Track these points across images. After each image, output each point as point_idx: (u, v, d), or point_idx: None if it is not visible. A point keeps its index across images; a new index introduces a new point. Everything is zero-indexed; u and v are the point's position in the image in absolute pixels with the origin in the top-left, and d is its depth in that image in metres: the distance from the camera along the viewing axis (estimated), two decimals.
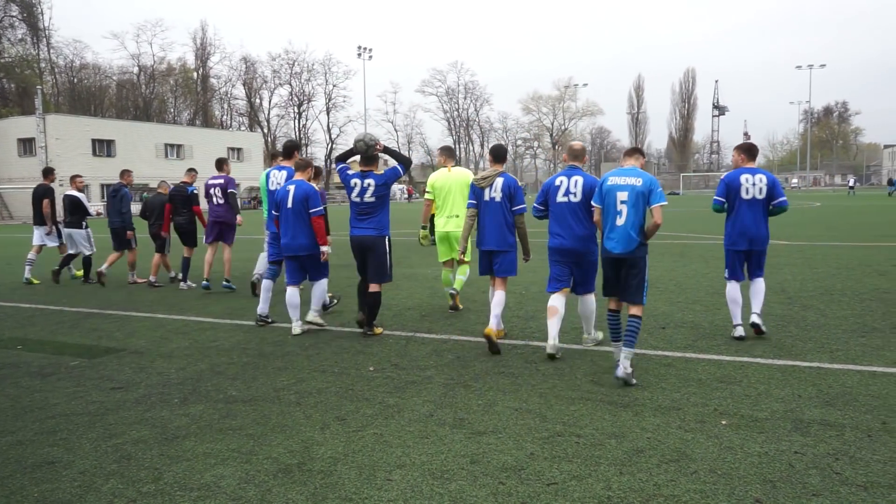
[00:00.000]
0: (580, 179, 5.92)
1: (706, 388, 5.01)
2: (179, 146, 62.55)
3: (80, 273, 12.10)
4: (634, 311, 5.42)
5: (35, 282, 11.85)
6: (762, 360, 5.71)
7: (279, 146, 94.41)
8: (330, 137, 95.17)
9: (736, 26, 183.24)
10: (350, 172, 7.10)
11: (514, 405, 4.72)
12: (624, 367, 5.13)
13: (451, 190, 8.06)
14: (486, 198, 6.58)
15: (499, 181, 6.57)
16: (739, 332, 6.47)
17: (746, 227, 6.48)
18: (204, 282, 10.57)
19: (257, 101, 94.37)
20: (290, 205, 7.24)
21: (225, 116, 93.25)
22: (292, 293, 7.36)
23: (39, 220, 12.02)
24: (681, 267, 11.77)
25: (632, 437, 4.09)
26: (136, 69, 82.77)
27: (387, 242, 7.00)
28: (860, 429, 4.13)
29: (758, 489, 3.37)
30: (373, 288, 6.99)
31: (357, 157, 7.17)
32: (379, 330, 7.17)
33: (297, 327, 7.20)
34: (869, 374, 5.25)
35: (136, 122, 64.50)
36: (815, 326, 6.90)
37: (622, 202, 5.35)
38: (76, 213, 11.66)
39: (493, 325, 6.26)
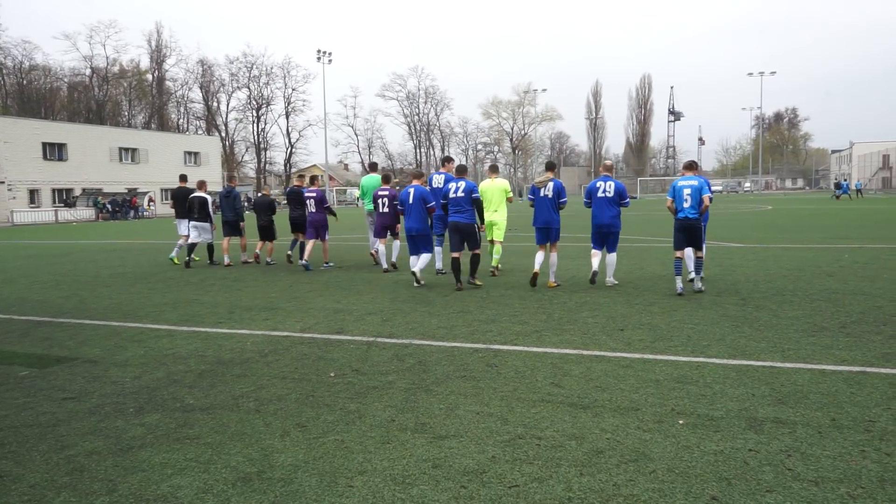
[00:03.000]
0: (612, 183, 10.11)
1: (664, 388, 5.09)
2: (134, 150, 61.25)
3: (198, 258, 15.17)
4: (700, 254, 9.34)
5: (176, 262, 15.05)
6: (717, 360, 5.84)
7: (237, 150, 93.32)
8: (289, 141, 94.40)
9: (691, 34, 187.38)
10: (451, 184, 10.42)
11: (475, 409, 4.74)
12: (698, 286, 9.24)
13: (493, 193, 11.22)
14: (542, 194, 10.33)
15: (550, 184, 10.31)
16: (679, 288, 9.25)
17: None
18: (303, 261, 13.19)
19: (215, 104, 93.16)
20: (411, 200, 10.67)
21: (181, 120, 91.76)
22: (413, 260, 10.71)
23: (183, 215, 15.15)
24: (638, 270, 11.96)
25: (592, 438, 4.14)
26: (88, 71, 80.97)
27: (476, 223, 10.43)
28: (811, 426, 4.25)
29: (714, 487, 3.44)
30: (475, 251, 10.38)
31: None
32: (480, 282, 10.47)
33: (419, 268, 10.40)
34: (819, 372, 5.41)
35: (88, 126, 63.00)
36: (768, 326, 7.08)
37: (688, 194, 9.26)
38: (203, 210, 14.58)
39: (552, 276, 10.39)
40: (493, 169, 11.82)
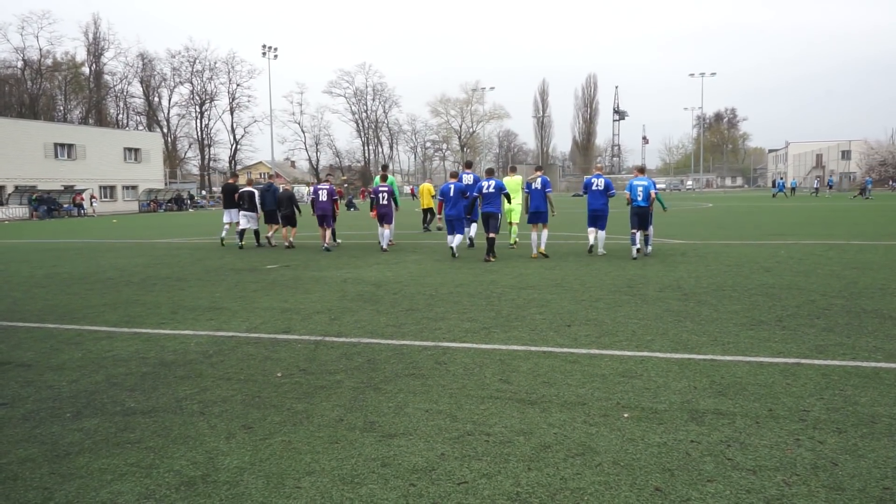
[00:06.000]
0: (602, 179, 14.03)
1: (609, 382, 5.19)
2: (71, 146, 59.11)
3: (242, 243, 17.91)
4: (647, 232, 13.53)
5: (224, 244, 18.28)
6: (661, 354, 5.98)
7: (179, 147, 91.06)
8: (234, 138, 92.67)
9: (635, 35, 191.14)
10: (483, 182, 13.81)
11: (424, 406, 4.74)
12: (644, 251, 13.33)
13: (512, 187, 15.01)
14: (533, 187, 13.82)
15: (539, 179, 13.81)
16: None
17: (637, 204, 13.40)
18: (325, 245, 16.33)
19: (156, 99, 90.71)
20: (451, 194, 14.28)
21: (121, 115, 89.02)
22: (451, 238, 14.21)
23: (230, 205, 18.35)
24: (584, 266, 12.15)
25: (539, 433, 4.19)
26: (20, 63, 77.70)
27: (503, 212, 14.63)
28: (749, 416, 4.39)
29: (657, 478, 3.52)
30: (492, 235, 13.43)
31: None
32: (494, 258, 13.35)
33: (456, 244, 13.98)
34: (757, 364, 5.59)
35: (20, 120, 60.58)
36: (709, 321, 7.28)
37: (640, 190, 13.37)
38: (252, 201, 17.82)
39: (543, 248, 13.63)
40: (513, 169, 16.43)
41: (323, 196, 16.43)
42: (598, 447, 3.94)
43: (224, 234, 18.54)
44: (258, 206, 17.90)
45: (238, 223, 18.13)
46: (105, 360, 6.28)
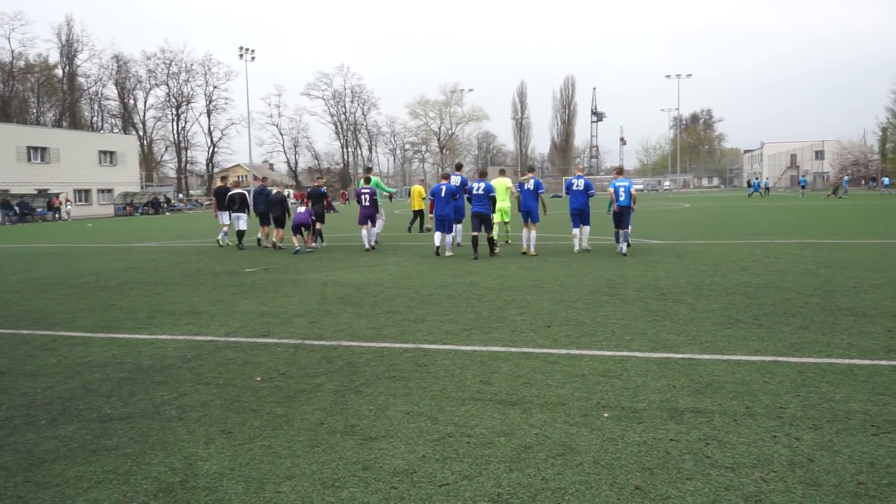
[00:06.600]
0: (583, 180, 15.00)
1: (589, 382, 5.21)
2: (44, 149, 58.24)
3: (233, 242, 18.79)
4: (627, 230, 14.06)
5: (221, 245, 18.76)
6: (640, 353, 6.02)
7: (155, 149, 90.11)
8: (211, 140, 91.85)
9: (613, 37, 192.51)
10: (473, 184, 14.60)
11: (405, 409, 4.73)
12: (623, 249, 13.81)
13: (500, 188, 15.43)
14: (525, 188, 14.67)
15: (532, 181, 14.71)
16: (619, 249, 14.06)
17: (620, 203, 14.22)
18: (368, 246, 16.58)
19: (131, 102, 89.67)
20: (443, 194, 14.62)
21: (95, 118, 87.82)
22: (438, 237, 14.63)
23: (223, 207, 18.90)
24: (564, 267, 12.21)
25: (520, 433, 4.20)
26: None
27: (491, 214, 14.67)
28: (727, 414, 4.43)
29: (637, 477, 3.55)
30: (490, 235, 14.42)
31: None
32: (498, 250, 14.67)
33: (441, 242, 14.63)
34: (734, 362, 5.65)
35: None
36: (687, 320, 7.35)
37: (622, 191, 14.20)
38: (243, 202, 18.71)
39: (532, 248, 14.32)
40: (502, 172, 17.22)
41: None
42: (578, 447, 3.96)
43: (220, 235, 19.04)
44: (249, 207, 18.71)
45: (233, 224, 18.88)
46: (81, 365, 6.20)
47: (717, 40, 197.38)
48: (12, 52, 77.16)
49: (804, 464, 3.64)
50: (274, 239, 18.06)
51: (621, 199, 14.11)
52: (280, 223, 18.02)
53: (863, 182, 76.31)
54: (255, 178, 20.97)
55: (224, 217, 19.22)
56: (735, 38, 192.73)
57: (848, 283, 9.40)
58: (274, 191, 18.66)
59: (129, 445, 4.19)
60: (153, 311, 8.94)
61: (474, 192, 14.34)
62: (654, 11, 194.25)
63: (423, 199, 21.59)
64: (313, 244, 17.29)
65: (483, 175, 15.06)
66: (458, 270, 12.14)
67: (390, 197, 20.48)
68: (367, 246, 16.44)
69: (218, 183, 21.26)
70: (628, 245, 13.95)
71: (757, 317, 7.40)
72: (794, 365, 5.53)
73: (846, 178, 57.37)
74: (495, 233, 15.41)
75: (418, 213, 22.37)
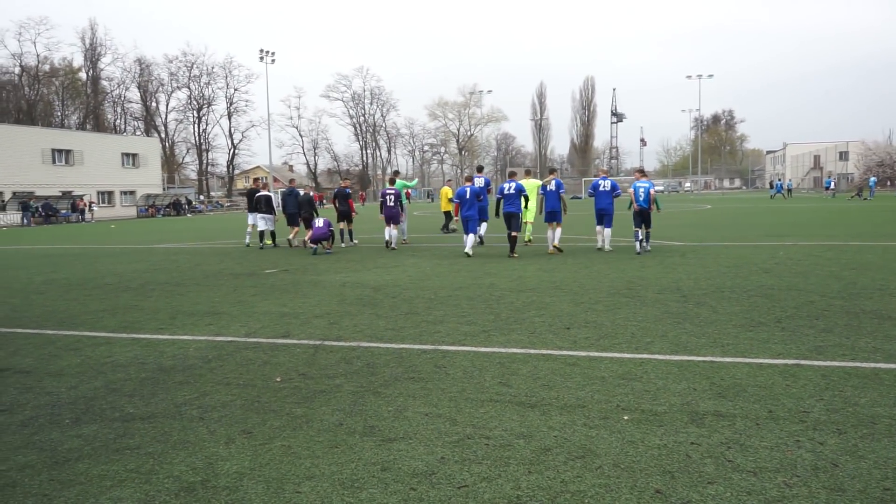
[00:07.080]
0: (609, 181, 15.53)
1: (609, 385, 5.18)
2: (68, 152, 59.10)
3: (269, 242, 19.56)
4: (648, 230, 14.74)
5: (249, 245, 19.56)
6: (660, 356, 5.97)
7: (177, 151, 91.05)
8: (232, 142, 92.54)
9: (633, 37, 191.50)
10: (504, 184, 14.92)
11: (424, 410, 4.73)
12: (647, 249, 14.55)
13: (531, 188, 16.18)
14: (548, 189, 15.37)
15: (553, 182, 15.33)
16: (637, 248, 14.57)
17: (640, 204, 14.78)
18: (393, 245, 17.32)
19: (153, 104, 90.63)
20: (468, 196, 15.34)
21: (118, 120, 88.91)
22: (466, 239, 15.03)
23: (253, 209, 19.67)
24: (584, 269, 12.15)
25: (539, 436, 4.18)
26: (17, 69, 77.66)
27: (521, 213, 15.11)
28: (749, 418, 4.38)
29: (658, 480, 3.52)
30: (515, 234, 14.67)
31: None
32: (517, 255, 14.55)
33: (469, 246, 14.88)
34: (756, 366, 5.59)
35: (18, 126, 60.60)
36: (708, 322, 7.28)
37: (642, 192, 14.77)
38: (269, 204, 19.36)
39: (557, 242, 15.18)
40: (528, 172, 18.81)
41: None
42: (598, 450, 3.93)
43: (248, 238, 19.91)
44: (275, 208, 19.50)
45: (257, 225, 19.53)
46: (104, 365, 6.27)
47: (738, 39, 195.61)
48: (38, 56, 78.44)
49: (828, 469, 3.59)
50: (305, 238, 18.20)
51: (640, 199, 14.68)
52: (309, 224, 18.39)
53: (888, 183, 75.17)
54: (276, 179, 22.76)
55: (251, 218, 19.92)
56: (757, 36, 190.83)
57: (873, 286, 9.25)
58: (302, 192, 19.15)
59: (151, 445, 4.23)
60: (175, 311, 9.03)
61: (505, 192, 14.70)
62: (676, 8, 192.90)
63: (450, 200, 21.73)
64: (342, 244, 18.08)
65: (512, 175, 15.46)
66: (477, 272, 12.12)
67: (407, 196, 20.53)
68: (392, 244, 17.16)
69: (250, 185, 22.65)
70: (647, 241, 14.56)
71: (779, 319, 7.31)
72: (817, 368, 5.45)
73: (873, 179, 56.42)
74: (527, 234, 16.27)
75: (449, 214, 22.52)
